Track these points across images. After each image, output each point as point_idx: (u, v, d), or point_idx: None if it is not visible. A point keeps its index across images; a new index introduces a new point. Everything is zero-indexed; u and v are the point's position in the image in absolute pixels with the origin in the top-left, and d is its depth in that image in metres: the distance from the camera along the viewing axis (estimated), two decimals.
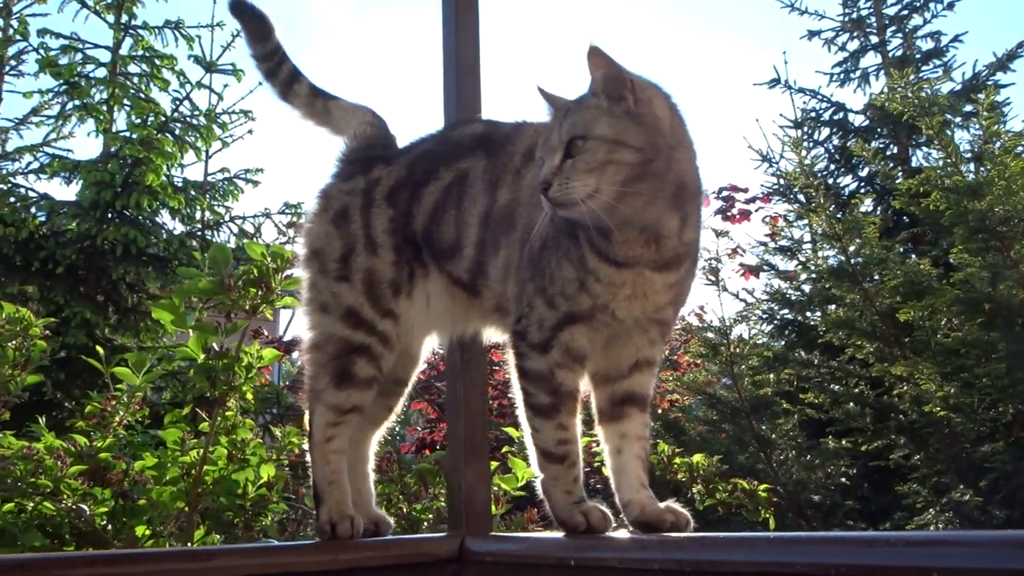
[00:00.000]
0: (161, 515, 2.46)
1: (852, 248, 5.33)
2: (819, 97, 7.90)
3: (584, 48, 1.41)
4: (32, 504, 2.31)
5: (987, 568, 0.78)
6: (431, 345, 1.77)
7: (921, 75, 7.52)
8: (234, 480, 2.46)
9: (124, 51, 6.51)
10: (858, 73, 8.19)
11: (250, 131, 7.25)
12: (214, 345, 2.41)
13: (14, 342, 2.76)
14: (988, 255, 4.21)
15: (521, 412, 1.53)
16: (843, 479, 5.12)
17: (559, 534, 1.45)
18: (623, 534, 1.37)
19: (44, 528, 2.37)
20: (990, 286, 4.17)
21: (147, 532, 2.58)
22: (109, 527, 2.52)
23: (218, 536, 2.66)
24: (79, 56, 6.35)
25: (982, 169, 4.69)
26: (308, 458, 1.61)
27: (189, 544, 2.32)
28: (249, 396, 2.45)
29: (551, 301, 1.47)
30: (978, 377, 4.28)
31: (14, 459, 2.23)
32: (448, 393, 1.78)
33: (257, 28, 1.90)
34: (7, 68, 7.38)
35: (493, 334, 1.71)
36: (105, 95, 6.41)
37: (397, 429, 8.75)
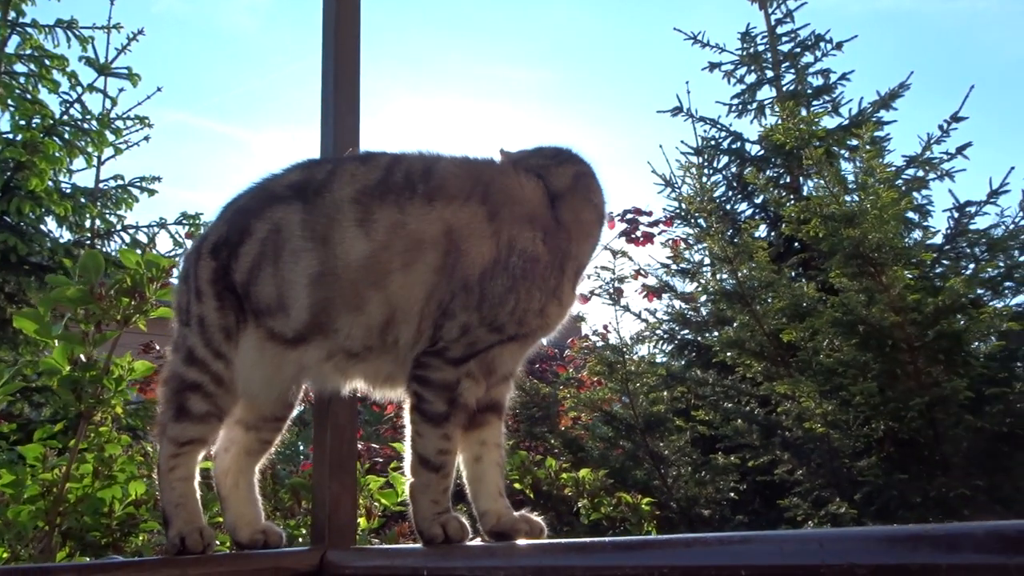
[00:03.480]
0: (18, 536, 2.33)
1: (744, 271, 5.56)
2: (719, 126, 8.23)
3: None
4: None
5: (782, 564, 0.83)
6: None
7: (812, 109, 7.95)
8: (99, 498, 2.35)
9: (10, 49, 6.20)
10: (755, 105, 8.57)
11: (147, 138, 7.00)
12: (82, 356, 2.31)
13: None
14: (863, 279, 4.46)
15: (407, 415, 1.54)
16: (732, 494, 5.28)
17: (419, 545, 1.45)
18: (476, 543, 1.39)
19: None
20: (864, 309, 4.41)
21: (4, 555, 2.43)
22: None
23: (85, 558, 2.54)
24: None
25: (862, 198, 4.98)
26: (157, 486, 1.62)
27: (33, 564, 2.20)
28: (119, 410, 2.35)
29: (499, 327, 1.51)
30: (854, 395, 4.51)
31: None
32: (315, 405, 1.76)
33: None
34: None
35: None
36: None
37: (301, 447, 8.54)
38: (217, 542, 1.54)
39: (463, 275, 1.49)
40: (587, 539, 1.03)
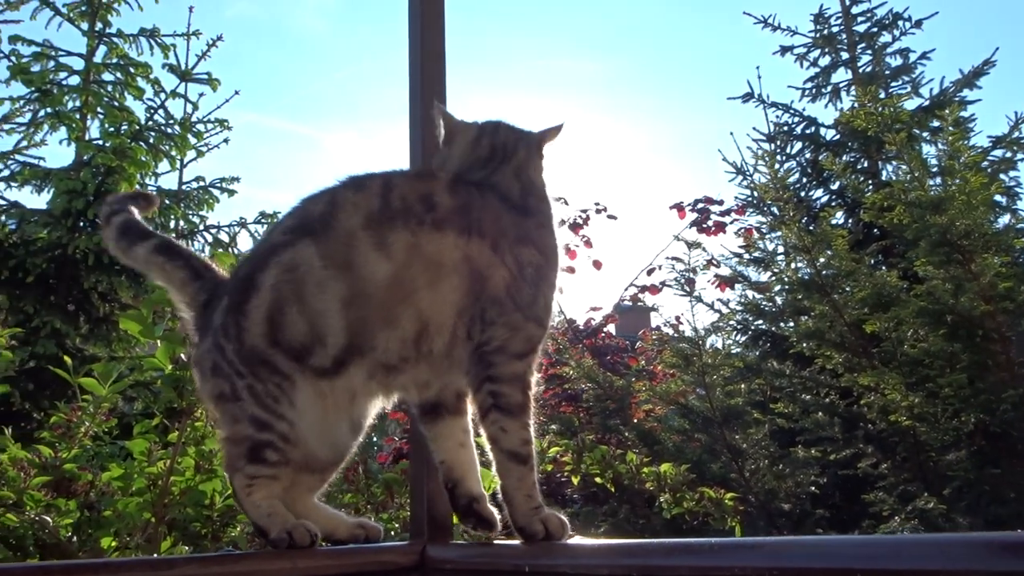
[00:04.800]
0: (127, 526, 2.46)
1: (822, 260, 5.42)
2: (791, 112, 8.04)
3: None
4: None
5: (899, 569, 0.83)
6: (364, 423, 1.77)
7: (890, 91, 7.68)
8: (201, 491, 2.46)
9: (98, 59, 6.49)
10: (829, 88, 8.34)
11: (226, 140, 7.25)
12: (182, 356, 2.42)
13: None
14: (950, 268, 4.30)
15: (483, 422, 1.57)
16: (813, 488, 5.18)
17: (517, 542, 1.48)
18: (577, 541, 1.41)
19: (7, 540, 2.36)
20: (952, 298, 4.26)
21: (113, 544, 2.57)
22: (75, 539, 2.51)
23: (186, 548, 2.66)
24: (52, 63, 6.32)
25: (948, 183, 4.80)
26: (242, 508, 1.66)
27: (156, 556, 2.32)
28: None
29: (541, 322, 1.63)
30: (941, 387, 4.36)
31: None
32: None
33: None
34: None
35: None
36: (78, 103, 6.39)
37: (374, 438, 8.71)
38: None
39: (491, 295, 1.59)
40: (692, 539, 1.04)
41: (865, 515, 4.69)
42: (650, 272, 8.44)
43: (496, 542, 1.56)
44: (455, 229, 1.61)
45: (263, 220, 7.11)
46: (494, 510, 1.64)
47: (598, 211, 8.22)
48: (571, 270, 7.87)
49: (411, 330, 1.58)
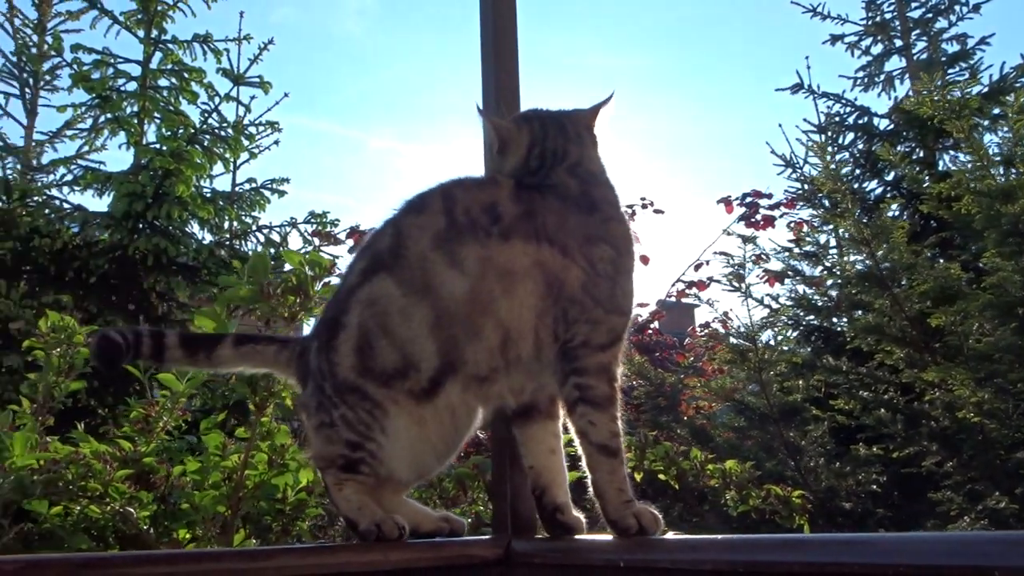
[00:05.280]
0: (203, 519, 2.50)
1: (880, 253, 5.31)
2: (843, 101, 7.89)
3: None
4: (79, 507, 2.36)
5: None
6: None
7: (947, 78, 7.49)
8: (274, 485, 2.50)
9: (154, 65, 6.62)
10: (882, 77, 8.17)
11: (276, 142, 7.36)
12: None
13: (59, 349, 2.83)
14: (1021, 259, 4.18)
15: (570, 417, 1.57)
16: (874, 486, 5.08)
17: (605, 536, 1.47)
18: (671, 536, 1.39)
19: (89, 531, 2.42)
20: (1023, 290, 4.14)
21: (188, 536, 2.62)
22: (151, 530, 2.57)
23: (254, 540, 2.70)
24: (111, 70, 6.46)
25: (1013, 172, 4.66)
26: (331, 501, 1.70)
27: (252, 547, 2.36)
28: (288, 403, 2.49)
29: (623, 311, 1.64)
30: (1012, 383, 4.24)
31: (64, 463, 2.28)
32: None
33: None
34: (42, 83, 7.53)
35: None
36: (136, 108, 6.53)
37: None
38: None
39: (568, 295, 1.60)
40: (803, 535, 1.02)
41: (931, 514, 4.57)
42: (697, 267, 8.34)
43: (584, 536, 1.55)
44: (522, 237, 1.62)
45: (312, 220, 7.20)
46: (579, 515, 1.65)
47: (644, 206, 8.14)
48: None
49: (495, 339, 1.60)
